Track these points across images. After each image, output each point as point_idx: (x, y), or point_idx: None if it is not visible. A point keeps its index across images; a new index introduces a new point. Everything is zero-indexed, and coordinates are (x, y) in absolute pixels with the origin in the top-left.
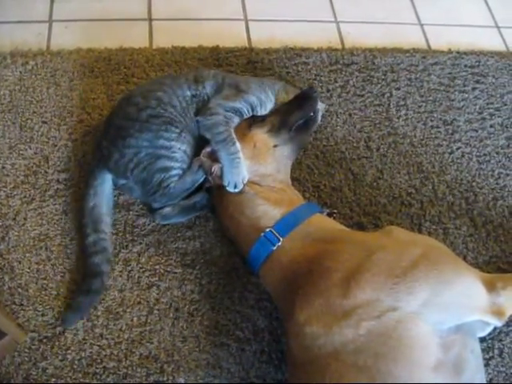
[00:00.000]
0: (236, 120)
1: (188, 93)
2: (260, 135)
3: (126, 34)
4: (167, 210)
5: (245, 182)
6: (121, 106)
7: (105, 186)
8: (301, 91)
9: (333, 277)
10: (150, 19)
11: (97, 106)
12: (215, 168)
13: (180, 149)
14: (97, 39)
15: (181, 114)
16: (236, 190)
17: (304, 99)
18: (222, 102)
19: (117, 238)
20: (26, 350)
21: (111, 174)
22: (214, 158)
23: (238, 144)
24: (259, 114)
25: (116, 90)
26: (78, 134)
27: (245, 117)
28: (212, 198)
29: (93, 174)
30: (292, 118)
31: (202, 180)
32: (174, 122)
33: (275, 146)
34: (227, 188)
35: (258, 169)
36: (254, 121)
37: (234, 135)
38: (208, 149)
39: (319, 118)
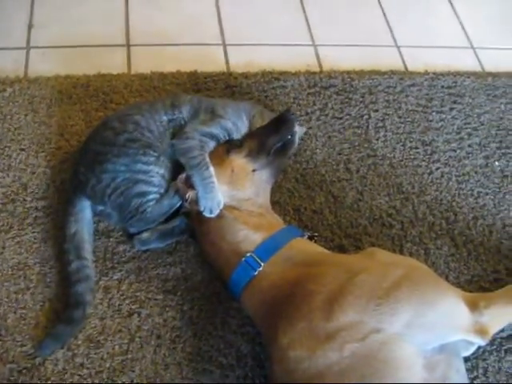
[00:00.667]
0: (211, 145)
1: (165, 117)
2: (238, 160)
3: (105, 59)
4: (145, 235)
5: (220, 206)
6: (97, 131)
7: (85, 213)
8: (277, 114)
9: (315, 300)
10: (128, 45)
11: (75, 132)
12: (189, 194)
13: (158, 173)
14: (75, 65)
15: (158, 138)
16: (212, 215)
17: (281, 122)
18: (197, 127)
19: (97, 266)
20: (5, 382)
21: (89, 200)
22: (189, 184)
23: (211, 169)
24: (234, 138)
25: (94, 116)
26: (56, 160)
27: (220, 142)
28: (191, 223)
29: (71, 201)
30: (270, 141)
31: (179, 204)
32: (151, 146)
33: (254, 171)
34: (203, 213)
35: (237, 194)
36: (231, 145)
37: (208, 160)
38: (184, 175)
39: (297, 140)
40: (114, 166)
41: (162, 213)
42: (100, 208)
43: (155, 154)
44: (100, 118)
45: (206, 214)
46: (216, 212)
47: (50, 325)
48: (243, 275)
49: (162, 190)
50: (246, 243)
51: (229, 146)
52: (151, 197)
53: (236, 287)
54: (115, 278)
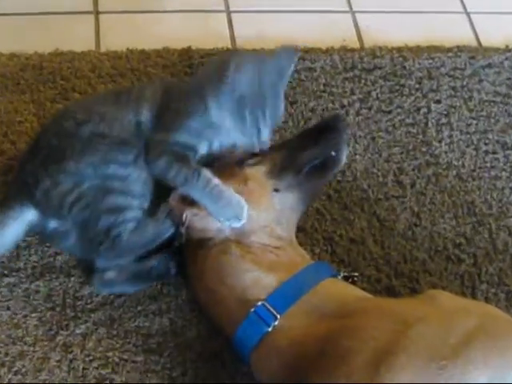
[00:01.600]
0: (193, 157)
1: (132, 118)
2: (253, 174)
3: (64, 32)
4: (110, 274)
5: (245, 209)
6: (53, 122)
7: (19, 223)
8: (321, 120)
9: (355, 360)
10: (97, 12)
11: (24, 131)
12: (187, 214)
13: (139, 178)
14: (23, 40)
15: (133, 133)
16: (239, 224)
17: (324, 131)
18: (164, 138)
19: (53, 315)
20: None
21: (37, 209)
22: (188, 201)
23: (206, 171)
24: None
25: (50, 109)
26: None
27: (200, 153)
28: (183, 260)
29: (7, 206)
30: (303, 157)
31: (168, 235)
32: (126, 143)
33: (276, 191)
34: (230, 225)
35: (248, 218)
36: (246, 156)
37: (197, 165)
38: (176, 192)
39: (343, 157)
40: (77, 166)
41: (142, 243)
42: (53, 224)
43: (134, 152)
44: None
45: (235, 225)
46: (243, 217)
47: None
48: (252, 332)
49: (146, 204)
50: (256, 289)
51: (243, 155)
52: (130, 215)
53: (243, 347)
54: (78, 331)
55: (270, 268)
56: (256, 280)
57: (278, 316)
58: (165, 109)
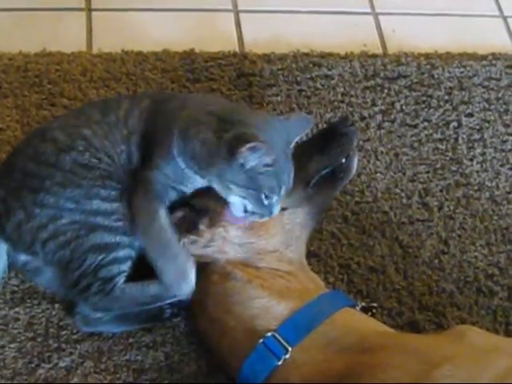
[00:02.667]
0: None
1: (122, 148)
2: None
3: (52, 31)
4: (95, 313)
5: (193, 272)
6: (30, 141)
7: None
8: (328, 125)
9: None
10: (89, 9)
11: (6, 140)
12: (184, 242)
13: (127, 214)
14: (7, 39)
15: (119, 165)
16: (185, 291)
17: (332, 138)
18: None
19: (34, 345)
20: None
21: (7, 242)
22: (186, 227)
23: (164, 222)
24: None
25: (35, 116)
26: None
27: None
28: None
29: None
30: (310, 167)
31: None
32: (112, 177)
33: (283, 209)
34: (175, 292)
35: (256, 243)
36: None
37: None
38: (175, 214)
39: (354, 165)
40: (57, 200)
41: (139, 301)
42: (22, 258)
43: (118, 187)
44: (45, 120)
45: (179, 292)
46: (191, 280)
47: None
48: (260, 366)
49: (137, 243)
50: (265, 318)
51: None
52: (121, 253)
53: (249, 383)
54: (62, 365)
55: (280, 295)
56: (266, 308)
57: (290, 348)
58: (150, 138)
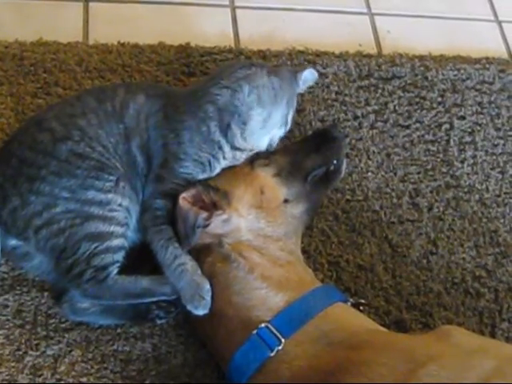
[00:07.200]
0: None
1: (120, 126)
2: (267, 179)
3: (49, 20)
4: (83, 303)
5: (209, 293)
6: (27, 130)
7: None
8: (318, 129)
9: None
10: (87, 0)
11: (0, 129)
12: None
13: (121, 206)
14: (3, 27)
15: (114, 155)
16: (202, 311)
17: (323, 140)
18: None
19: (22, 333)
20: None
21: (0, 226)
22: (200, 204)
23: (175, 247)
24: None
25: (30, 104)
26: None
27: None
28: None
29: None
30: (307, 163)
31: (161, 298)
32: (106, 168)
33: (286, 201)
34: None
35: (265, 229)
36: (257, 156)
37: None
38: (188, 193)
39: (343, 168)
40: (52, 189)
41: (130, 293)
42: (12, 243)
43: (112, 178)
44: (39, 109)
45: (196, 311)
46: (207, 301)
47: None
48: (253, 356)
49: (130, 233)
50: (261, 309)
51: (254, 155)
52: (114, 242)
53: (240, 374)
54: (49, 353)
55: (279, 285)
56: (263, 299)
57: (283, 340)
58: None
